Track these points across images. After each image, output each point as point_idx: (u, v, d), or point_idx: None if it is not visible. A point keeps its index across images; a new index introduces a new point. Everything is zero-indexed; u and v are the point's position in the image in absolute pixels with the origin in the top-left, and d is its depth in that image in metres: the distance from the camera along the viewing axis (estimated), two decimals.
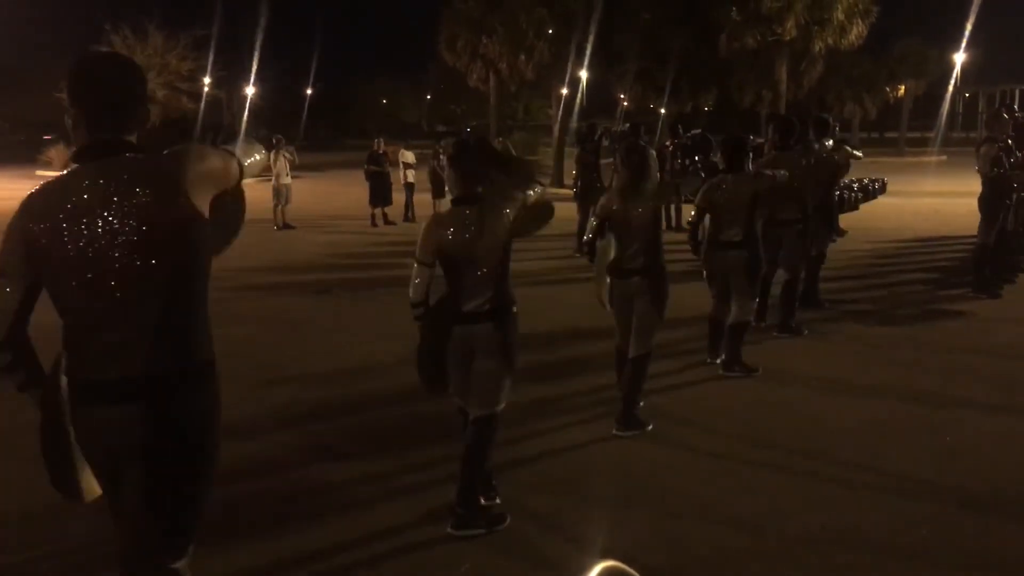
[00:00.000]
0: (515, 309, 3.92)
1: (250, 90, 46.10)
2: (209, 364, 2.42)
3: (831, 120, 9.13)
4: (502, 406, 3.93)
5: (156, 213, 2.24)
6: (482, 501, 4.04)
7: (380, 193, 16.90)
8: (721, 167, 6.65)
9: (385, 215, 17.03)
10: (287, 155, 16.66)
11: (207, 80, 38.56)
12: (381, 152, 17.28)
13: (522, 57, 27.83)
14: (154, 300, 2.28)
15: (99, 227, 2.23)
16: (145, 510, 2.36)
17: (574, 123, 31.25)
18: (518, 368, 3.97)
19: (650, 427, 5.19)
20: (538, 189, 3.96)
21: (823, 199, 8.33)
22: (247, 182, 2.61)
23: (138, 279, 2.25)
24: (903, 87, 48.30)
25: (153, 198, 2.24)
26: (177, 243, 2.28)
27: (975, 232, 9.12)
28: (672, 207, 14.59)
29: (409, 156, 17.67)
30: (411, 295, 3.91)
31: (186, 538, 2.45)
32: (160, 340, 2.30)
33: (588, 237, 5.47)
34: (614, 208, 5.23)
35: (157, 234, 2.24)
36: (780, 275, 7.64)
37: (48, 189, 2.32)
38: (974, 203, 9.08)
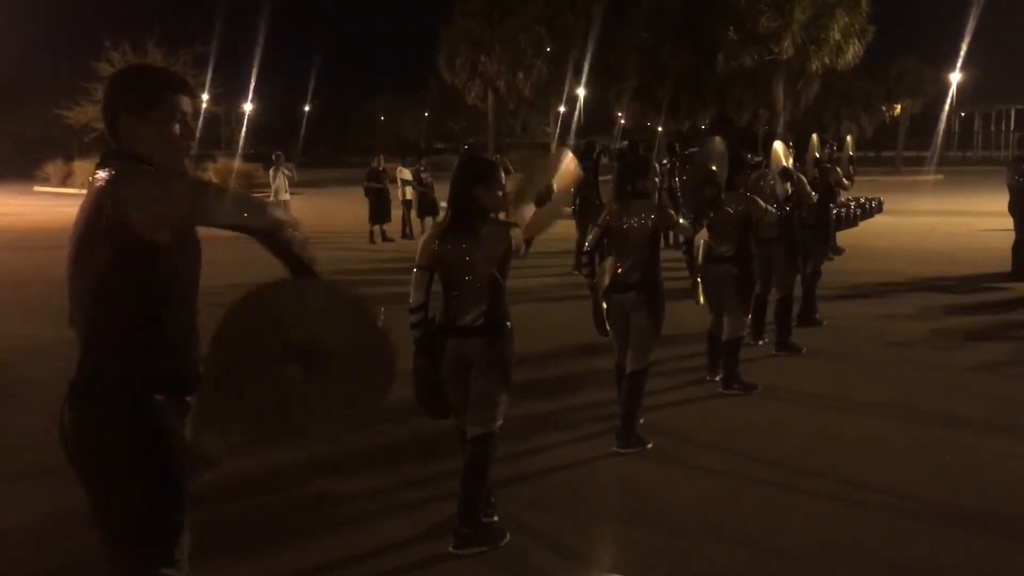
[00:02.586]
0: (509, 325, 3.90)
1: (248, 106, 46.29)
2: (121, 379, 2.31)
3: (827, 139, 9.23)
4: (499, 424, 3.90)
5: (97, 221, 2.25)
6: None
7: (379, 210, 16.96)
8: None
9: (383, 232, 17.07)
10: (286, 172, 16.73)
11: (205, 96, 38.69)
12: (381, 169, 17.36)
13: (520, 75, 28.02)
14: (90, 303, 2.30)
15: (76, 223, 2.34)
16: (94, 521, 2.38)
17: (572, 141, 31.39)
18: (512, 386, 3.94)
19: (650, 445, 5.18)
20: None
21: (819, 216, 8.38)
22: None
23: (79, 279, 2.31)
24: (899, 106, 48.54)
25: (101, 207, 2.25)
26: (107, 255, 2.25)
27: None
28: None
29: (407, 173, 17.75)
30: (410, 300, 3.94)
31: (125, 553, 2.36)
32: (90, 347, 2.32)
33: (587, 248, 5.51)
34: (617, 219, 5.27)
35: (92, 241, 2.27)
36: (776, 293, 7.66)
37: None
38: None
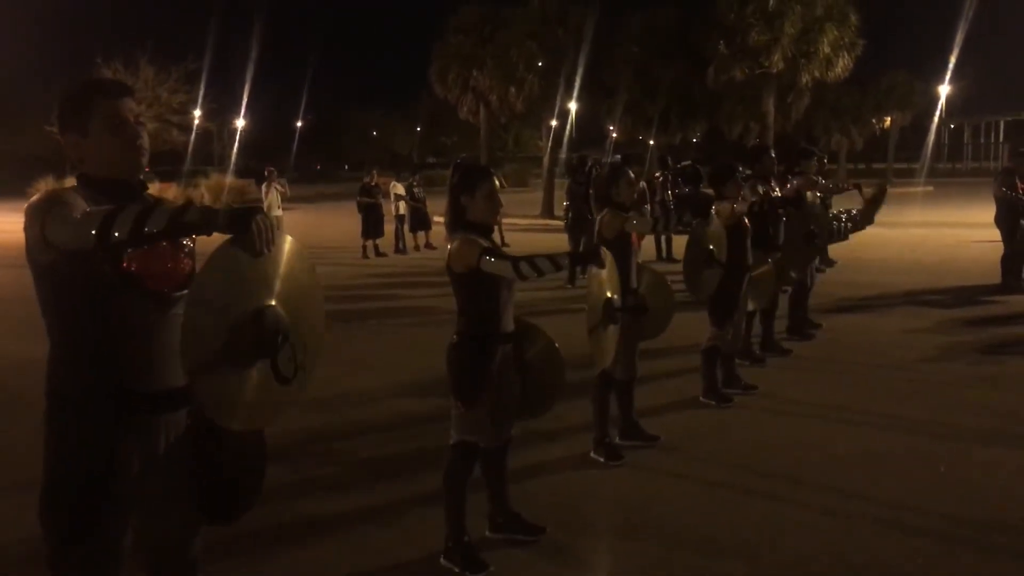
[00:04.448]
0: (468, 337, 3.82)
1: (241, 122, 46.32)
2: (53, 395, 2.38)
3: (815, 151, 9.32)
4: (457, 439, 3.82)
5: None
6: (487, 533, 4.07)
7: (372, 225, 16.96)
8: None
9: (376, 247, 17.07)
10: (279, 187, 16.74)
11: (197, 113, 38.72)
12: (374, 184, 17.38)
13: (512, 90, 28.04)
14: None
15: None
16: None
17: (564, 155, 31.45)
18: (463, 403, 3.76)
19: (624, 459, 5.16)
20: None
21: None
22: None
23: None
24: (889, 119, 48.79)
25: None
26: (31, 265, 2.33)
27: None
28: (663, 237, 14.65)
29: (400, 188, 17.77)
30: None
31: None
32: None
33: None
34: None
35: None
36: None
37: None
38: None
